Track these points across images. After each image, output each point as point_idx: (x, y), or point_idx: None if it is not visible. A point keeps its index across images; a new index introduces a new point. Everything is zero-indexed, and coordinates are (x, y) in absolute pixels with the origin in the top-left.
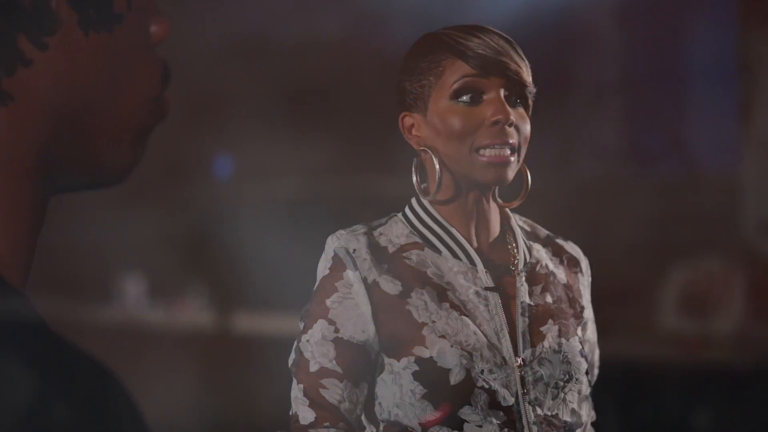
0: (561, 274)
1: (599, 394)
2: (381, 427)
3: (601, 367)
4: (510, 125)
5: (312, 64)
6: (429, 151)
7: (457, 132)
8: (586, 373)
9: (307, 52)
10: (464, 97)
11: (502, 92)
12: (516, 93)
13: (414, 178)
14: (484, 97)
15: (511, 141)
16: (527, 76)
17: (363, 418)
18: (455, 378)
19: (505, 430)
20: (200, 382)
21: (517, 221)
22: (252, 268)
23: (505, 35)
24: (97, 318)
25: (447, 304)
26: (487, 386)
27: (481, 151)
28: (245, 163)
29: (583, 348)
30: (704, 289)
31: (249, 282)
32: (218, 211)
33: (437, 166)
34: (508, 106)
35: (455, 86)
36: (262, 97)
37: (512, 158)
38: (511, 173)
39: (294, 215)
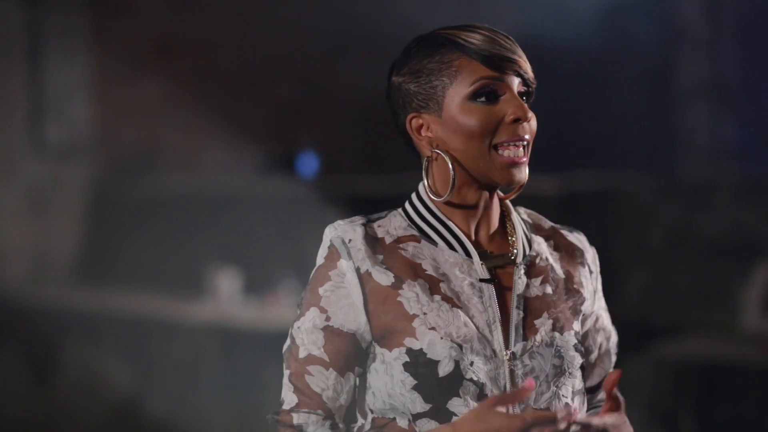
0: (562, 266)
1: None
2: (370, 417)
3: (682, 365)
4: (527, 121)
5: None
6: (441, 153)
7: (477, 131)
8: (582, 368)
9: None
10: (482, 98)
11: (515, 89)
12: (524, 89)
13: (424, 180)
14: (500, 95)
15: (526, 137)
16: (532, 72)
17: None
18: (444, 370)
19: None
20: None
21: (521, 214)
22: None
23: (504, 32)
24: (190, 314)
25: (439, 296)
26: (475, 378)
27: (500, 150)
28: (339, 159)
29: (578, 342)
30: None
31: None
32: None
33: (451, 169)
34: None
35: (473, 87)
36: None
37: (525, 158)
38: (526, 173)
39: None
